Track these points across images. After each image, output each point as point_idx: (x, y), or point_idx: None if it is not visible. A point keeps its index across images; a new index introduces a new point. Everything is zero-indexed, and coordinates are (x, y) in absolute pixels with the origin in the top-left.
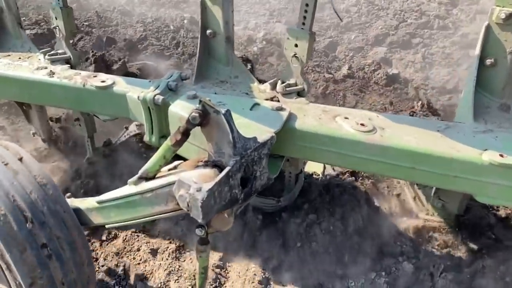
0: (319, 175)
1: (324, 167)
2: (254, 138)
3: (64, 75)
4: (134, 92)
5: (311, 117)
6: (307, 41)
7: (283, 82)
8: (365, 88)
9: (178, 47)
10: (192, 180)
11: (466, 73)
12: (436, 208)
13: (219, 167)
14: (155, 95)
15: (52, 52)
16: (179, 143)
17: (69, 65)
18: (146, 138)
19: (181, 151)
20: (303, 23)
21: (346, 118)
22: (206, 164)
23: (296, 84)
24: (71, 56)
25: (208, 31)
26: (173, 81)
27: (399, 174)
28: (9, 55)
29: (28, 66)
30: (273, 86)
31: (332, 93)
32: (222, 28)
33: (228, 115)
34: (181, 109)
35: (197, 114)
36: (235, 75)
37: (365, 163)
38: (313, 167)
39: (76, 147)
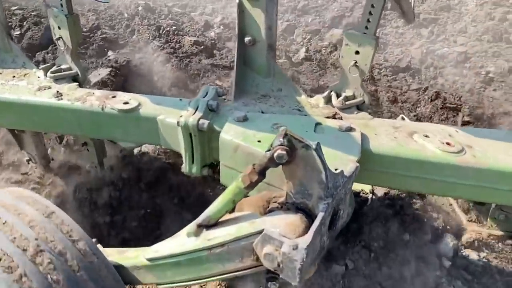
0: (367, 193)
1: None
2: (342, 173)
3: (75, 96)
4: (167, 114)
5: (384, 136)
6: (372, 47)
7: (337, 94)
8: (322, 70)
9: (133, 35)
10: (279, 233)
11: (417, 52)
12: (497, 220)
13: (303, 211)
14: (199, 120)
15: (54, 68)
16: (253, 185)
17: (77, 83)
18: (185, 169)
19: (227, 181)
20: (366, 27)
21: (426, 136)
22: (287, 208)
23: (354, 97)
24: (79, 72)
25: (247, 38)
26: (213, 100)
27: (497, 198)
28: (0, 73)
29: (27, 87)
30: (327, 100)
31: (291, 77)
32: (263, 35)
33: (319, 150)
34: (235, 137)
35: (284, 152)
36: (278, 88)
37: (454, 188)
38: (358, 184)
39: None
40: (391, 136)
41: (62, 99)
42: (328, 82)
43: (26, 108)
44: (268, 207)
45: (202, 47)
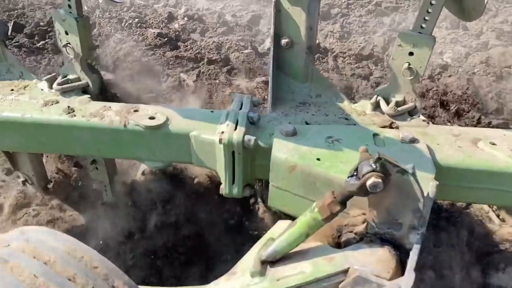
0: None
1: None
2: (428, 196)
3: (89, 112)
4: (201, 130)
5: (448, 146)
6: (429, 48)
7: (384, 99)
8: None
9: (94, 28)
10: (372, 272)
11: (380, 40)
12: None
13: (389, 242)
14: (243, 136)
15: (60, 79)
16: (333, 217)
17: (88, 96)
18: (224, 190)
19: (281, 206)
20: (422, 26)
21: (493, 144)
22: (370, 239)
23: (405, 102)
24: (90, 83)
25: (284, 40)
26: (253, 112)
27: None
28: None
29: (30, 101)
30: (375, 106)
31: (259, 67)
32: (303, 36)
33: (416, 175)
34: (290, 155)
35: (380, 180)
36: (317, 94)
37: None
38: None
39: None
40: (455, 146)
41: (75, 115)
42: None
43: (32, 128)
44: (339, 236)
45: (166, 39)
